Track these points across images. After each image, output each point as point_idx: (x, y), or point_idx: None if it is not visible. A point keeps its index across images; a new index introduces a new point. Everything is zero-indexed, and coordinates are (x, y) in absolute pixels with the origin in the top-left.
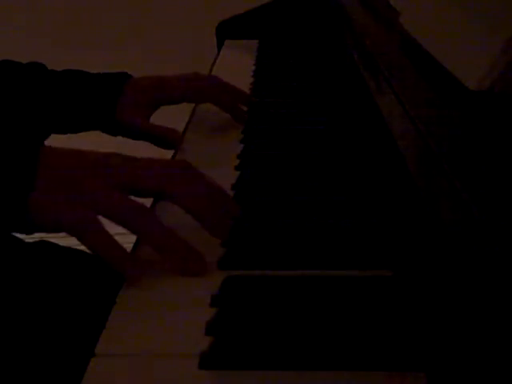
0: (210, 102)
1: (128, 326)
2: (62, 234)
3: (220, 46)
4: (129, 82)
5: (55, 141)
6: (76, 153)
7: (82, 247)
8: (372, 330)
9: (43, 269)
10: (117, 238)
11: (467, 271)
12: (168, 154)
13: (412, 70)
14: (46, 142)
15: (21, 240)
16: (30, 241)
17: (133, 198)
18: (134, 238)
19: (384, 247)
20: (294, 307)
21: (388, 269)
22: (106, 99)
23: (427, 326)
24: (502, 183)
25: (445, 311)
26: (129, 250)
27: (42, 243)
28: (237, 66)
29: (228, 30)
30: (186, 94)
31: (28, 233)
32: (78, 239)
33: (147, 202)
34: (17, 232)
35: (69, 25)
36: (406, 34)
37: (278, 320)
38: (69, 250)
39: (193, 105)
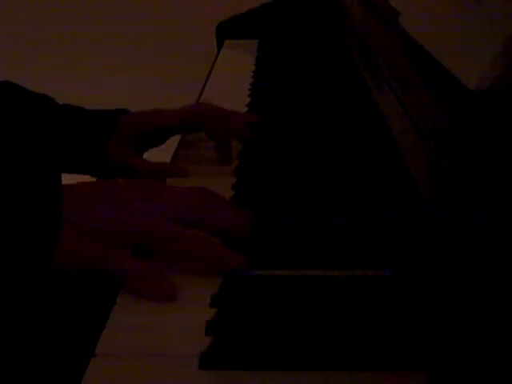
0: (205, 132)
1: (128, 326)
2: None
3: (220, 46)
4: (118, 121)
5: None
6: (98, 187)
7: None
8: (372, 330)
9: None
10: None
11: (467, 271)
12: (168, 154)
13: (412, 70)
14: None
15: None
16: None
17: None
18: None
19: (385, 247)
20: (294, 307)
21: (389, 269)
22: (93, 146)
23: (427, 325)
24: (502, 183)
25: (445, 311)
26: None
27: None
28: (237, 66)
29: (228, 30)
30: (175, 124)
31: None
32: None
33: None
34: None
35: (68, 24)
36: (406, 34)
37: (278, 320)
38: None
39: None
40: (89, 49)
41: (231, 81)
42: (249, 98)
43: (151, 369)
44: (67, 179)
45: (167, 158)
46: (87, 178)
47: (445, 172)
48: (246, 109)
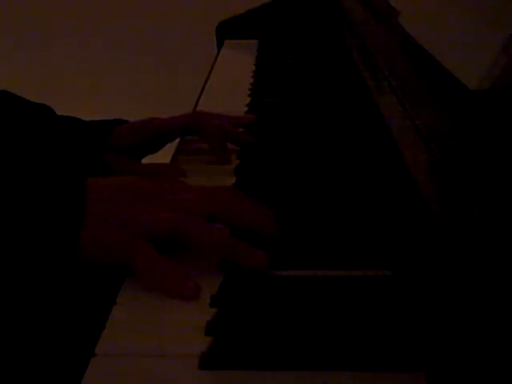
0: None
1: (128, 325)
2: None
3: (220, 46)
4: (114, 131)
5: None
6: (124, 180)
7: None
8: (372, 330)
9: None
10: None
11: (467, 271)
12: (167, 154)
13: (412, 70)
14: None
15: None
16: None
17: None
18: None
19: (384, 247)
20: (294, 307)
21: (388, 269)
22: (93, 156)
23: (427, 325)
24: (502, 183)
25: (445, 311)
26: None
27: None
28: (237, 66)
29: (228, 30)
30: (172, 129)
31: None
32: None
33: None
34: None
35: (68, 24)
36: (405, 34)
37: (277, 320)
38: None
39: (192, 105)
40: (88, 48)
41: (231, 81)
42: (249, 98)
43: (151, 369)
44: None
45: (167, 159)
46: None
47: (445, 172)
48: (245, 109)
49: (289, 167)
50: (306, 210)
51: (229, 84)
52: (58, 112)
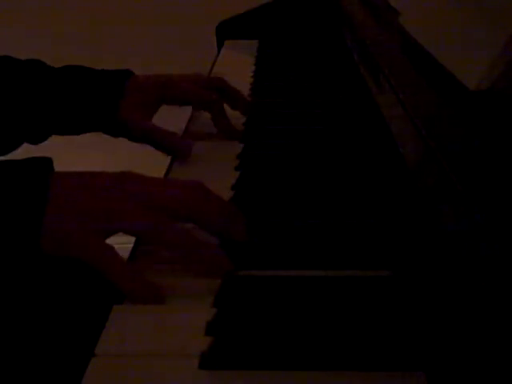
0: (209, 112)
1: (128, 325)
2: None
3: (220, 46)
4: (130, 81)
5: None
6: (87, 177)
7: None
8: (372, 330)
9: (43, 268)
10: None
11: (467, 271)
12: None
13: (412, 70)
14: (48, 142)
15: None
16: None
17: None
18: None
19: (384, 247)
20: (294, 307)
21: (388, 269)
22: (106, 99)
23: (427, 325)
24: (503, 183)
25: (445, 311)
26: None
27: None
28: (237, 66)
29: (228, 30)
30: (188, 97)
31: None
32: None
33: None
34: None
35: (68, 24)
36: (405, 34)
37: (278, 320)
38: None
39: None
40: (88, 48)
41: (231, 81)
42: (249, 98)
43: (151, 369)
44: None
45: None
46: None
47: (445, 172)
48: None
49: (289, 167)
50: (306, 210)
51: None
52: None
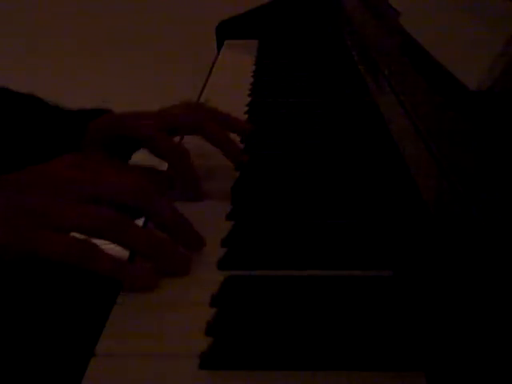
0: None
1: (128, 325)
2: None
3: (220, 46)
4: (95, 121)
5: None
6: (33, 174)
7: None
8: (372, 330)
9: (43, 268)
10: None
11: (467, 271)
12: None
13: (412, 70)
14: None
15: None
16: None
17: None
18: None
19: (384, 247)
20: (294, 307)
21: (388, 269)
22: (66, 138)
23: (427, 325)
24: (502, 183)
25: (445, 311)
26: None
27: None
28: (237, 66)
29: (228, 30)
30: (136, 137)
31: None
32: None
33: None
34: None
35: (68, 24)
36: (406, 34)
37: (278, 320)
38: None
39: None
40: (88, 49)
41: (231, 81)
42: (249, 98)
43: (151, 369)
44: None
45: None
46: None
47: (445, 172)
48: (245, 109)
49: (289, 167)
50: (306, 210)
51: (229, 84)
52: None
